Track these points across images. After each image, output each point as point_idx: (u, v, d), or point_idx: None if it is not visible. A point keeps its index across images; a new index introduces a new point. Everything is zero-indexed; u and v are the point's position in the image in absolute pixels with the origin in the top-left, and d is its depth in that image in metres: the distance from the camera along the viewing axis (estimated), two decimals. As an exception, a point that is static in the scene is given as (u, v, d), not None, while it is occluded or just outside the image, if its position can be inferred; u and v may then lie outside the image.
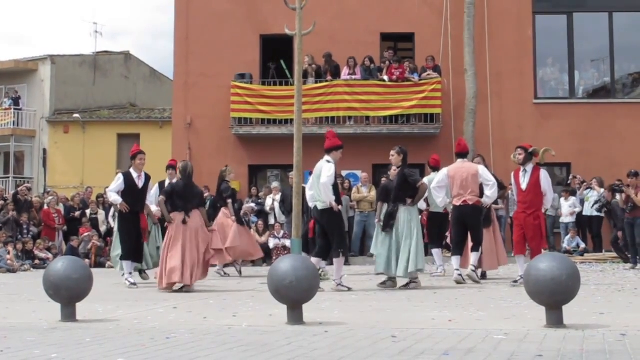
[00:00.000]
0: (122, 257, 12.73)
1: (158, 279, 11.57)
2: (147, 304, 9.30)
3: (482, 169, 12.31)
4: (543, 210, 11.82)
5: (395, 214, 11.21)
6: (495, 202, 13.27)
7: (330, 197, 11.01)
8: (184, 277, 11.28)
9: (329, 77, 21.34)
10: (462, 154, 12.51)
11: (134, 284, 12.36)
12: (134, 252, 12.53)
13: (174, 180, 13.41)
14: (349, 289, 11.06)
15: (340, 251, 11.13)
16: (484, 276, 12.97)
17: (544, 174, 11.42)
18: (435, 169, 13.96)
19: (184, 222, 11.45)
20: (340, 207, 11.31)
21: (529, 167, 11.42)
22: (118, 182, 12.49)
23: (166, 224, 11.77)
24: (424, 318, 7.45)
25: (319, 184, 11.06)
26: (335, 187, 11.22)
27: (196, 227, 11.54)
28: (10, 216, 19.05)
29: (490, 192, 12.05)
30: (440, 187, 12.29)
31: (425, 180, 13.60)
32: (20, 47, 69.86)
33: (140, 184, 12.49)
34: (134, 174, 12.52)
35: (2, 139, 31.39)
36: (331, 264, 11.50)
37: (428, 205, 13.48)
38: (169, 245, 11.43)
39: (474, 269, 12.00)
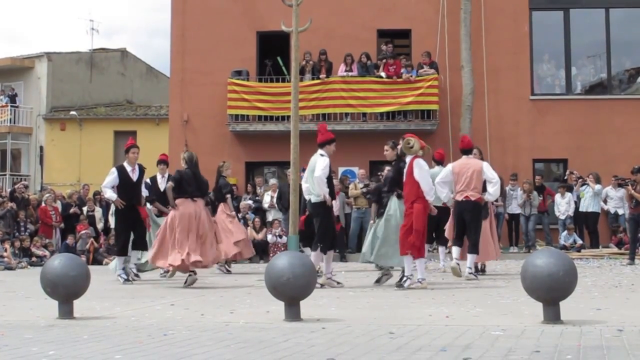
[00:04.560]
0: (117, 253, 12.79)
1: (157, 258, 11.52)
2: (145, 301, 9.29)
3: (486, 166, 12.28)
4: (430, 199, 10.72)
5: (387, 204, 11.22)
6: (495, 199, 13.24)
7: (324, 189, 11.04)
8: (204, 257, 11.31)
9: (323, 75, 21.33)
10: (466, 150, 12.47)
11: (128, 279, 12.42)
12: (127, 248, 12.62)
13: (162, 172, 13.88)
14: (339, 284, 11.08)
15: (320, 246, 11.12)
16: (482, 270, 13.05)
17: (416, 163, 10.62)
18: (440, 162, 13.99)
19: (203, 202, 11.51)
20: (334, 201, 11.33)
21: (409, 158, 10.79)
22: (112, 176, 12.49)
23: (169, 207, 11.79)
24: (421, 314, 7.45)
25: (313, 177, 11.09)
26: (329, 180, 11.24)
27: (202, 213, 11.52)
28: (8, 208, 19.01)
29: (493, 190, 12.05)
30: (445, 182, 12.28)
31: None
32: (17, 44, 69.85)
33: (134, 177, 12.54)
34: (128, 168, 12.56)
35: (-2, 137, 31.40)
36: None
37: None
38: (172, 230, 11.34)
39: (470, 270, 11.97)
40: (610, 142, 21.40)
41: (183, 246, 11.25)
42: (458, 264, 11.99)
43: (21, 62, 32.53)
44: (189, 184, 11.55)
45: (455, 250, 12.29)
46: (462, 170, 12.16)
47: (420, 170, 10.60)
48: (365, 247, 11.53)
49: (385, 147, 11.69)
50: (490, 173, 12.12)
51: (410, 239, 10.44)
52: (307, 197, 11.64)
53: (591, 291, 9.82)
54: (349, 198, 19.66)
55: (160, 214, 13.58)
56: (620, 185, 19.16)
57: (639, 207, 16.08)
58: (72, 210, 20.48)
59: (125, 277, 12.45)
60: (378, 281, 11.41)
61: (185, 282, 11.30)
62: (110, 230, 18.35)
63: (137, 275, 12.58)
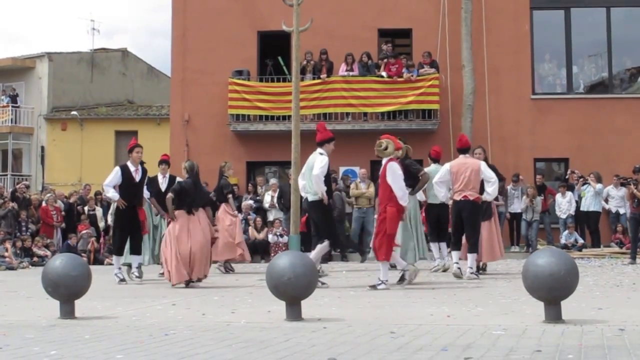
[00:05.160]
0: (114, 252, 12.80)
1: (167, 275, 11.50)
2: (146, 301, 9.29)
3: (484, 165, 12.24)
4: (403, 204, 10.55)
5: None
6: (495, 198, 13.21)
7: (321, 188, 11.04)
8: (193, 273, 11.28)
9: (324, 75, 21.35)
10: (464, 150, 12.42)
11: (123, 279, 12.44)
12: (124, 248, 12.66)
13: (164, 178, 13.74)
14: (323, 284, 10.66)
15: (329, 242, 11.10)
16: (483, 269, 13.02)
17: (389, 166, 10.46)
18: (436, 160, 13.94)
19: (190, 212, 11.44)
20: (331, 200, 11.34)
21: (385, 160, 10.67)
22: (116, 175, 12.40)
23: (169, 219, 11.78)
24: (422, 314, 7.45)
25: (311, 175, 11.07)
26: (327, 179, 11.24)
27: (202, 225, 11.50)
28: (9, 208, 19.02)
29: (491, 189, 12.00)
30: (442, 182, 12.24)
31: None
32: (18, 44, 69.88)
33: (137, 177, 12.49)
34: (131, 168, 12.51)
35: (0, 137, 31.42)
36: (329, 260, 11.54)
37: (426, 197, 13.45)
38: (173, 242, 11.36)
39: (472, 270, 11.93)
40: (611, 142, 21.39)
41: (179, 260, 11.26)
42: (459, 268, 11.95)
43: (22, 62, 32.57)
44: (189, 195, 11.52)
45: (455, 255, 12.27)
46: (460, 169, 12.11)
47: (393, 175, 10.45)
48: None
49: None
50: (488, 172, 12.07)
51: (380, 243, 10.36)
52: (303, 194, 11.65)
53: (592, 290, 9.81)
54: (350, 197, 19.64)
55: (159, 213, 13.58)
56: (622, 185, 19.16)
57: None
58: (73, 201, 20.54)
59: (121, 277, 12.45)
60: (401, 280, 11.25)
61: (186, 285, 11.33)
62: (110, 230, 18.38)
63: (139, 277, 12.58)
